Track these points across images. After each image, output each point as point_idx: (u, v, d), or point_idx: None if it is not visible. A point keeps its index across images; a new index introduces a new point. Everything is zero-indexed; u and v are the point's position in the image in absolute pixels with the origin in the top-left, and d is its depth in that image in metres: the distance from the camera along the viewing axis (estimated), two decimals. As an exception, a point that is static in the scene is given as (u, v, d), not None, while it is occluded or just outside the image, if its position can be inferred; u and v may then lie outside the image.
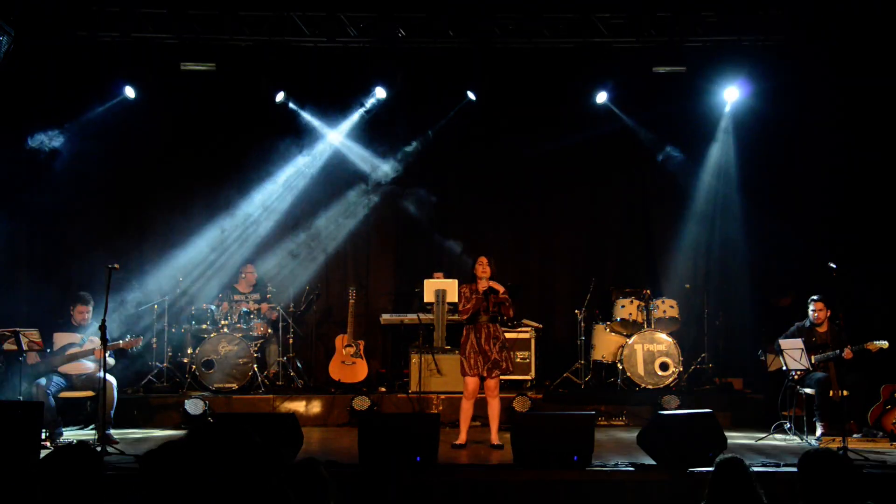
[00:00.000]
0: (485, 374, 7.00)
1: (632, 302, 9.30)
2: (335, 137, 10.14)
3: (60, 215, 9.57)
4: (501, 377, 7.26)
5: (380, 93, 9.69)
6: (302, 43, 9.10)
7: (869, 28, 8.59)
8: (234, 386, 8.71)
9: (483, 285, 7.07)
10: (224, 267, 9.88)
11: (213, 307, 9.10)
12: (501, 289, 7.06)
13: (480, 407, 7.38)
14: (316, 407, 8.61)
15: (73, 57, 9.02)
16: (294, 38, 9.06)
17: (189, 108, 9.71)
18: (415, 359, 8.79)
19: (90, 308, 7.67)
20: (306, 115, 10.07)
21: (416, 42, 9.15)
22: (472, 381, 7.04)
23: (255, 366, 8.84)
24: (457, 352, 8.48)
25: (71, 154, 9.31)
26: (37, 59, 8.90)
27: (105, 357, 6.98)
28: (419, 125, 10.11)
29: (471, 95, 9.73)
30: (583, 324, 9.40)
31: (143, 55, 9.11)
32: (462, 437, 7.11)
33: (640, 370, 8.91)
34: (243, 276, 9.56)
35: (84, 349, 7.47)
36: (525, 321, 9.53)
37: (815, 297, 7.91)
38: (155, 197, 9.98)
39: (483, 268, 7.04)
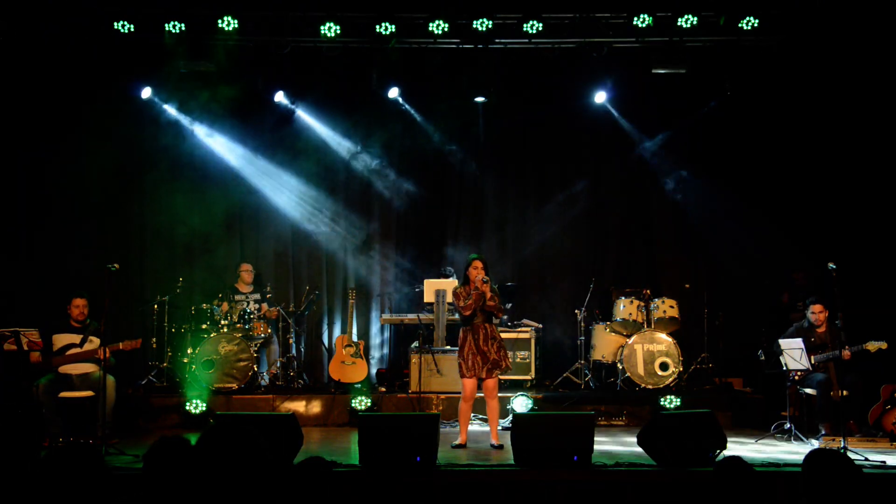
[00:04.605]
0: (483, 376, 6.99)
1: (632, 302, 9.30)
2: (336, 138, 10.17)
3: (62, 214, 9.57)
4: (501, 377, 7.26)
5: (384, 92, 9.69)
6: (302, 43, 9.11)
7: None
8: (234, 386, 8.71)
9: (481, 286, 7.03)
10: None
11: (213, 307, 9.09)
12: (489, 294, 7.03)
13: (480, 404, 7.38)
14: (316, 407, 8.60)
15: (73, 57, 9.01)
16: (294, 38, 9.07)
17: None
18: (415, 359, 8.79)
19: (86, 302, 7.65)
20: (306, 116, 10.11)
21: (416, 42, 9.17)
22: (470, 383, 7.04)
23: (255, 366, 8.85)
24: (457, 351, 8.52)
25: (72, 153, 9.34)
26: (36, 59, 8.91)
27: (105, 357, 6.98)
28: (417, 127, 10.12)
29: (478, 99, 9.74)
30: (583, 324, 9.40)
31: (143, 55, 9.12)
32: (462, 438, 7.11)
33: (640, 370, 8.91)
34: (240, 274, 9.56)
35: (84, 350, 7.46)
36: (525, 321, 9.55)
37: (813, 300, 7.91)
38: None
39: (477, 271, 7.04)
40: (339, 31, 8.94)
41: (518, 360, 9.13)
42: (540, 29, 8.94)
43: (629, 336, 9.14)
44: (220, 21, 8.79)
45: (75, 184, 9.38)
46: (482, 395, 7.19)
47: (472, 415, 7.88)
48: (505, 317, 9.30)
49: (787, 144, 9.72)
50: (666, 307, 9.25)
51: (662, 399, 8.31)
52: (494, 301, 7.05)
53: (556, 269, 10.36)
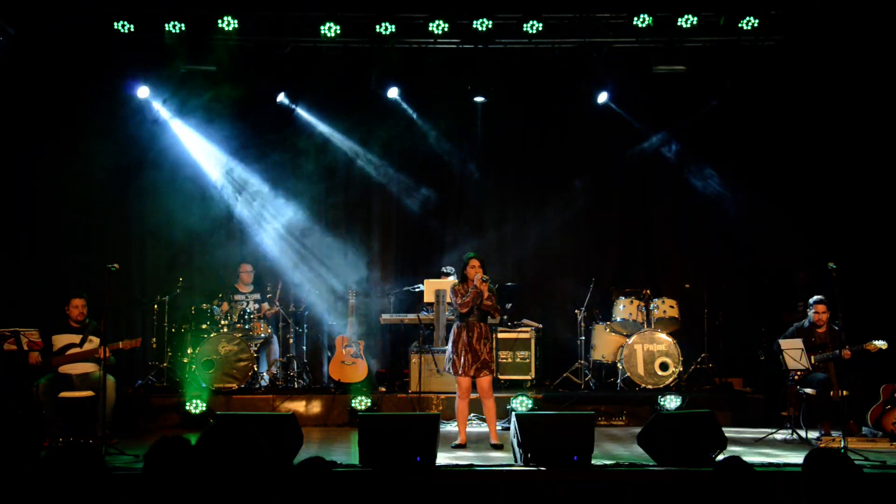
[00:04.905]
0: (472, 374, 7.01)
1: (632, 302, 9.30)
2: (336, 137, 10.19)
3: (62, 215, 9.56)
4: (501, 377, 7.26)
5: (384, 92, 9.69)
6: (302, 43, 9.12)
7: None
8: (234, 386, 8.71)
9: (479, 284, 7.05)
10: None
11: (213, 307, 9.09)
12: (486, 293, 7.04)
13: (477, 404, 7.38)
14: (316, 407, 8.60)
15: (73, 56, 9.01)
16: (294, 38, 9.07)
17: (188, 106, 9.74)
18: (415, 359, 8.79)
19: (84, 302, 7.64)
20: (306, 115, 10.11)
21: (416, 42, 9.17)
22: (464, 381, 7.05)
23: (255, 366, 8.85)
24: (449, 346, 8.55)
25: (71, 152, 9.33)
26: (36, 59, 8.91)
27: (105, 357, 6.98)
28: (418, 126, 10.12)
29: (478, 99, 9.75)
30: (583, 324, 9.40)
31: (143, 55, 9.12)
32: (461, 438, 7.11)
33: (640, 370, 8.91)
34: (240, 275, 9.56)
35: (84, 350, 7.46)
36: (525, 321, 9.54)
37: (816, 299, 7.91)
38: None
39: (475, 269, 7.07)
40: (339, 31, 8.95)
41: (518, 360, 9.12)
42: (540, 29, 8.95)
43: (629, 336, 9.14)
44: (220, 21, 8.81)
45: (75, 183, 9.36)
46: (477, 395, 7.20)
47: (472, 414, 7.89)
48: (505, 316, 9.30)
49: (787, 144, 9.72)
50: (666, 307, 9.25)
51: (662, 399, 8.31)
52: (491, 301, 7.06)
53: (556, 269, 10.35)
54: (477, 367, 6.99)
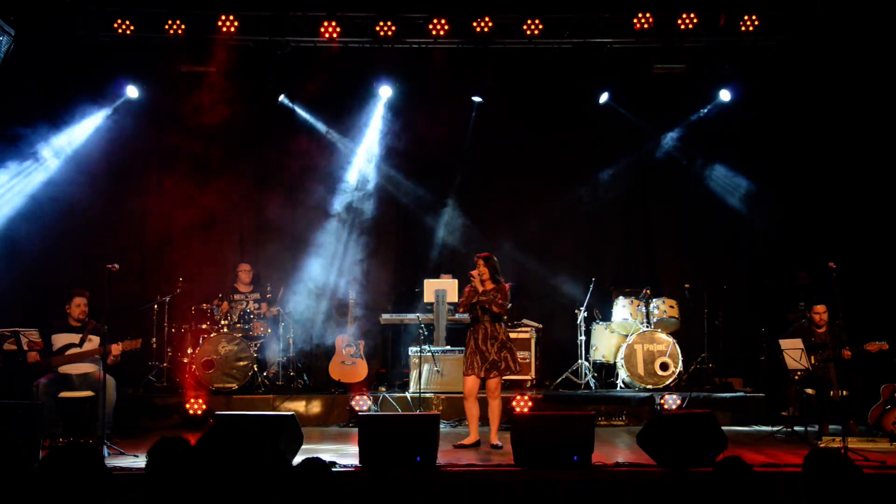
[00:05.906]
0: (482, 375, 7.01)
1: (632, 302, 9.30)
2: (335, 138, 10.19)
3: (61, 215, 9.56)
4: (505, 377, 7.26)
5: (384, 92, 9.69)
6: (302, 43, 9.11)
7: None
8: (234, 386, 8.71)
9: (480, 285, 7.08)
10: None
11: (213, 307, 9.09)
12: (481, 288, 7.05)
13: (481, 406, 7.37)
14: (316, 407, 8.60)
15: (73, 56, 9.01)
16: (294, 38, 9.07)
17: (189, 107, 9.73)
18: (415, 359, 8.78)
19: (87, 300, 7.63)
20: (306, 115, 10.11)
21: (416, 42, 9.17)
22: (469, 381, 7.06)
23: (255, 366, 8.84)
24: (457, 352, 8.57)
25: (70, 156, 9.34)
26: (37, 59, 8.91)
27: (105, 357, 6.98)
28: (418, 126, 10.11)
29: (476, 99, 9.75)
30: (583, 324, 9.40)
31: (143, 55, 9.13)
32: (472, 437, 7.11)
33: (640, 370, 8.91)
34: (238, 275, 9.55)
35: (84, 350, 7.46)
36: (525, 321, 9.55)
37: (815, 300, 7.91)
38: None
39: (478, 269, 7.08)
40: (339, 31, 8.94)
41: (518, 360, 9.11)
42: (540, 29, 8.94)
43: (629, 336, 9.14)
44: (220, 21, 8.80)
45: (75, 183, 9.36)
46: (484, 394, 7.20)
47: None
48: (505, 317, 9.28)
49: (788, 144, 9.71)
50: (666, 307, 9.25)
51: (662, 399, 8.30)
52: (487, 296, 7.04)
53: (556, 269, 10.34)
54: (486, 367, 6.99)
